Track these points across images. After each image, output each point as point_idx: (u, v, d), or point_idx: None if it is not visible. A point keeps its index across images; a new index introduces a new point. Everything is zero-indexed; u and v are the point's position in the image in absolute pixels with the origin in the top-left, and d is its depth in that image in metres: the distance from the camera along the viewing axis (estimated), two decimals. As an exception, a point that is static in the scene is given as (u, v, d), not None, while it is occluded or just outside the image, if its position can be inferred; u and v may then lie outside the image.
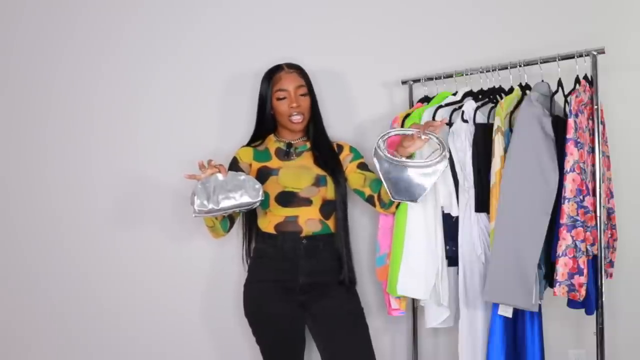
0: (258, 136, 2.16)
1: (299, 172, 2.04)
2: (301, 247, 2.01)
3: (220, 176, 1.85)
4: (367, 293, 2.38)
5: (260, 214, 2.09)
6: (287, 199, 2.01)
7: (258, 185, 1.89)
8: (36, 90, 2.42)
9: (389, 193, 1.89)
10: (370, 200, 2.06)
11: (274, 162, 2.08)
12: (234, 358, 2.46)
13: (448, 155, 1.89)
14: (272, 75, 2.10)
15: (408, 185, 1.87)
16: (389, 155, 1.87)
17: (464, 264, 2.06)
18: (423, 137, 1.84)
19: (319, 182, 2.03)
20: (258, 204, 1.90)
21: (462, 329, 2.08)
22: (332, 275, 2.04)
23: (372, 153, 1.91)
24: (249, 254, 2.20)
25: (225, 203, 1.84)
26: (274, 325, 2.03)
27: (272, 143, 2.14)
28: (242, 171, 2.06)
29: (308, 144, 2.13)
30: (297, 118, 2.05)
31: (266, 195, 2.01)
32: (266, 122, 2.14)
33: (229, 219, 2.03)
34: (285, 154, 2.10)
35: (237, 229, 2.26)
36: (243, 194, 1.86)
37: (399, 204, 2.03)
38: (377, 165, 1.88)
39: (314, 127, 2.13)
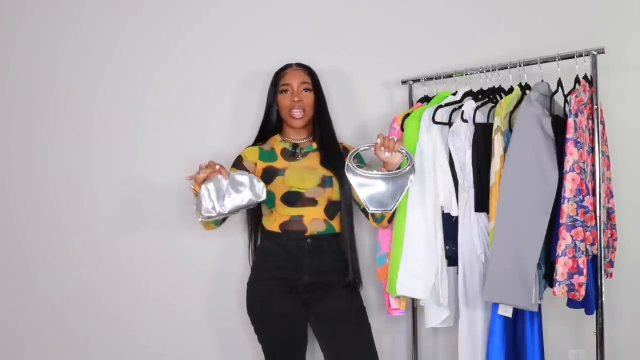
0: (263, 135, 2.17)
1: (305, 173, 2.04)
2: (305, 247, 2.01)
3: (223, 179, 1.84)
4: (368, 293, 2.37)
5: (265, 213, 2.09)
6: (293, 199, 2.01)
7: (261, 183, 1.89)
8: (37, 91, 2.41)
9: (365, 205, 1.91)
10: (364, 212, 2.10)
11: (280, 163, 2.08)
12: (237, 357, 2.46)
13: (415, 167, 1.93)
14: (280, 73, 2.13)
15: (381, 196, 1.91)
16: (359, 170, 1.92)
17: (464, 264, 2.06)
18: (387, 153, 1.89)
19: (325, 183, 2.03)
20: (261, 200, 1.89)
21: (462, 329, 2.08)
22: (336, 275, 2.04)
23: (345, 170, 1.93)
24: (254, 253, 2.20)
25: (231, 205, 1.84)
26: (277, 324, 2.03)
27: (277, 143, 2.14)
28: (246, 169, 2.06)
29: (314, 145, 2.13)
30: (297, 113, 2.06)
31: (272, 194, 2.01)
32: (272, 120, 2.15)
33: None
34: (291, 154, 2.10)
35: (243, 229, 2.26)
36: (247, 194, 1.86)
37: (391, 219, 2.08)
38: (351, 181, 1.92)
39: (321, 127, 2.13)
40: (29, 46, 2.41)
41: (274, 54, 2.30)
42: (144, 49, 2.44)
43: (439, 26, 2.52)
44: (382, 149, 1.89)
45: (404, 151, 1.91)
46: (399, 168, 1.93)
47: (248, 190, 1.86)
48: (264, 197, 1.88)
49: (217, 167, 1.84)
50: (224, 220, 2.05)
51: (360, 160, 2.15)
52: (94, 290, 2.42)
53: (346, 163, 1.92)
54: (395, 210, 2.08)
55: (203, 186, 1.83)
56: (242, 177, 1.87)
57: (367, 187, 1.91)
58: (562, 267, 1.83)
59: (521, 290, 1.86)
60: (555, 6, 2.51)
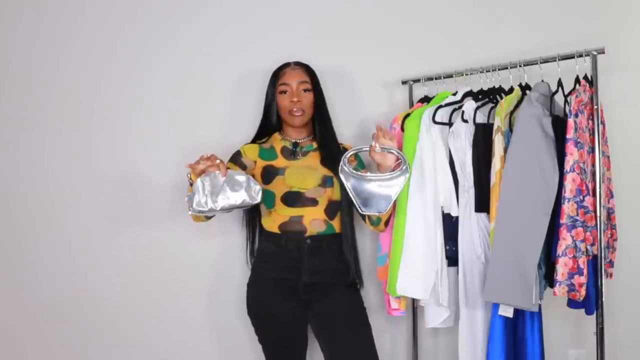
0: (262, 133, 2.16)
1: (305, 172, 2.04)
2: (305, 247, 2.00)
3: (220, 176, 1.81)
4: (368, 293, 2.37)
5: (264, 214, 2.08)
6: (293, 199, 2.01)
7: (258, 186, 1.86)
8: (36, 90, 2.41)
9: (357, 206, 1.90)
10: (362, 215, 2.07)
11: (280, 162, 2.07)
12: (237, 358, 2.46)
13: (408, 170, 1.91)
14: (278, 72, 2.12)
15: (373, 198, 1.89)
16: (353, 171, 1.91)
17: (464, 264, 2.06)
18: (378, 150, 1.86)
19: (325, 182, 2.03)
20: (255, 203, 1.87)
21: (462, 329, 2.08)
22: (336, 275, 2.03)
23: (339, 171, 1.91)
24: (252, 254, 2.20)
25: (223, 203, 1.81)
26: (277, 325, 2.03)
27: (277, 142, 2.14)
28: (244, 165, 2.04)
29: (314, 144, 2.13)
30: (296, 113, 2.05)
31: (272, 194, 2.01)
32: (271, 119, 2.14)
33: None
34: (292, 153, 2.10)
35: (242, 229, 2.26)
36: (242, 194, 1.83)
37: (387, 221, 2.06)
38: (344, 182, 1.90)
39: (320, 127, 2.12)
40: (29, 46, 2.41)
41: (273, 53, 2.30)
42: (143, 48, 2.44)
43: (439, 26, 2.52)
44: (377, 147, 1.85)
45: (395, 152, 1.90)
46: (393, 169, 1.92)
47: (244, 190, 1.83)
48: (258, 200, 1.85)
49: (217, 161, 1.80)
50: (213, 215, 2.00)
51: (359, 163, 2.14)
52: (94, 291, 2.42)
53: (340, 165, 1.91)
54: (393, 213, 2.09)
55: (199, 179, 1.79)
56: (240, 177, 1.84)
57: (360, 189, 1.89)
58: (562, 267, 1.84)
59: (521, 290, 1.86)
60: (556, 6, 2.51)
